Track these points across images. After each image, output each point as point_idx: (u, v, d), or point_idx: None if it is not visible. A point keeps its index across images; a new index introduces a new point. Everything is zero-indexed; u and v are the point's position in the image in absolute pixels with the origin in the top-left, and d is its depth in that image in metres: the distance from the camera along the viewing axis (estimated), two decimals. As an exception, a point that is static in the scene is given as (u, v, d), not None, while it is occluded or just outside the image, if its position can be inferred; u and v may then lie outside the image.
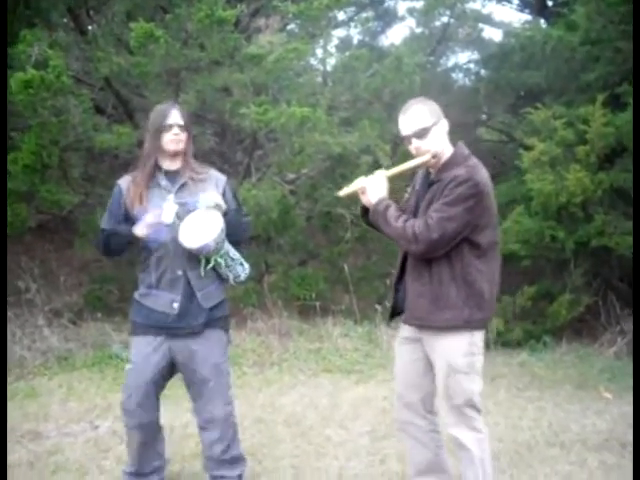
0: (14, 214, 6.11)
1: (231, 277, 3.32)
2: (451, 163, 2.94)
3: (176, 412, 4.35)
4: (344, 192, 3.12)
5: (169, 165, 3.31)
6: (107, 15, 7.30)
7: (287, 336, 6.77)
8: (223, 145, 8.12)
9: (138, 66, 6.31)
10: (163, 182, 3.28)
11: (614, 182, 6.68)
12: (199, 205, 3.16)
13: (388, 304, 3.23)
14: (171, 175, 3.30)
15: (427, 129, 2.91)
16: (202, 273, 3.23)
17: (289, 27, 8.65)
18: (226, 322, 3.42)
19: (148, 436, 3.38)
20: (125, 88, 7.26)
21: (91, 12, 7.56)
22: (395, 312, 3.18)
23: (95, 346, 6.34)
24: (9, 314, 6.15)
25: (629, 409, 4.98)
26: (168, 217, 3.15)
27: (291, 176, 7.70)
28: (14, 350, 5.90)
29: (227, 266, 3.27)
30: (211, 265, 3.22)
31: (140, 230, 3.16)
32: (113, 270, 7.56)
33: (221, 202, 3.21)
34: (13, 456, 3.92)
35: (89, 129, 6.46)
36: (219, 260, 3.22)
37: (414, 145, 2.96)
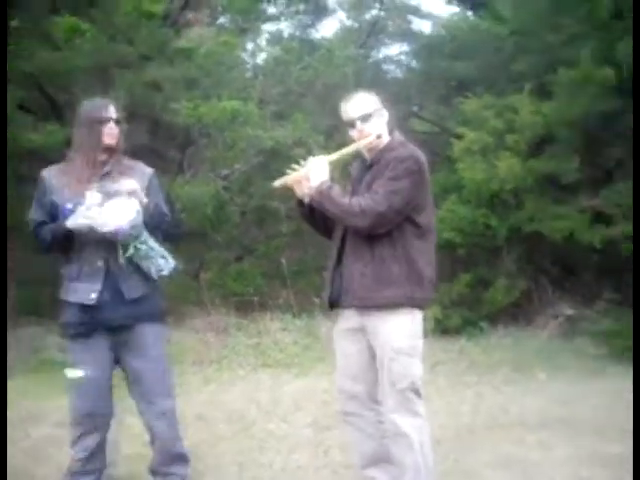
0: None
1: (153, 270, 3.20)
2: (390, 147, 3.03)
3: (119, 412, 4.25)
4: (280, 182, 3.09)
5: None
6: (30, 8, 7.08)
7: (225, 332, 6.72)
8: (155, 142, 7.99)
9: (65, 61, 6.16)
10: None
11: (544, 169, 6.81)
12: (117, 189, 3.07)
13: (326, 293, 3.19)
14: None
15: (371, 113, 3.01)
16: (120, 260, 3.15)
17: (219, 21, 8.58)
18: (160, 315, 3.34)
19: (100, 435, 3.28)
20: (52, 85, 7.07)
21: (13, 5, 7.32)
22: (333, 301, 3.14)
23: (29, 351, 6.17)
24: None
25: (564, 387, 5.14)
26: (91, 206, 3.05)
27: (225, 172, 7.63)
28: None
29: (147, 257, 3.19)
30: (130, 252, 3.14)
31: (73, 222, 3.06)
32: (42, 270, 7.35)
33: (139, 190, 3.13)
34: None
35: (15, 128, 6.26)
36: (139, 246, 3.14)
37: (358, 128, 3.01)
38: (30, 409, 4.93)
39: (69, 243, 3.15)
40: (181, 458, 3.38)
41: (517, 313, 7.29)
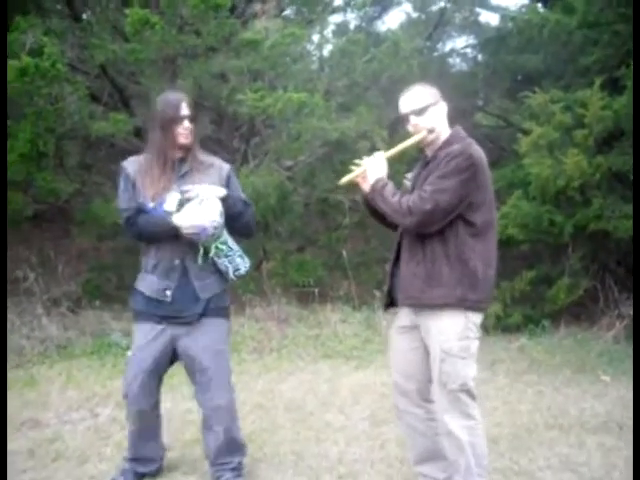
0: (11, 203, 6.10)
1: (231, 270, 3.28)
2: (448, 143, 2.98)
3: (176, 399, 4.35)
4: (345, 179, 3.10)
5: (175, 154, 3.28)
6: (102, 1, 7.25)
7: (286, 322, 6.77)
8: (220, 132, 8.09)
9: (133, 53, 6.28)
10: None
11: (612, 165, 6.65)
12: (198, 196, 3.13)
13: (385, 290, 3.21)
14: (175, 164, 3.27)
15: (425, 107, 2.97)
16: (200, 261, 3.21)
17: (285, 12, 8.61)
18: (226, 311, 3.40)
19: (148, 422, 3.40)
20: (121, 75, 7.23)
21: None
22: (391, 300, 3.16)
23: (94, 334, 6.35)
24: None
25: (627, 392, 5.00)
26: (171, 206, 3.13)
27: (289, 163, 7.69)
28: (13, 339, 5.90)
29: (226, 256, 3.25)
30: (211, 254, 3.21)
31: (183, 220, 3.11)
32: (111, 258, 7.56)
33: (218, 192, 3.17)
34: (13, 444, 3.91)
35: (85, 117, 6.44)
36: (220, 246, 3.20)
37: (412, 122, 2.99)
38: (95, 390, 5.07)
39: (166, 237, 3.20)
40: (236, 448, 3.43)
41: (580, 313, 7.15)
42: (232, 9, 6.77)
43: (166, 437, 3.67)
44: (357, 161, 3.10)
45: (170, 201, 3.14)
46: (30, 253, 6.93)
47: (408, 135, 3.08)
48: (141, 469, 3.45)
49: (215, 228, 3.12)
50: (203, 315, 3.26)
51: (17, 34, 5.84)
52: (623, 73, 6.64)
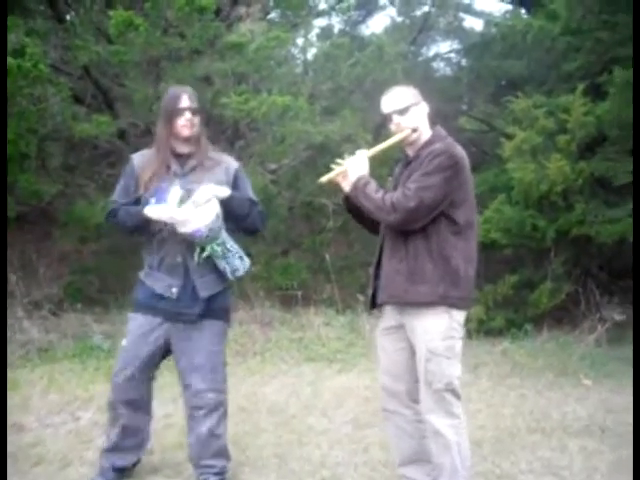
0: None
1: (228, 270, 3.25)
2: (430, 142, 3.01)
3: (159, 401, 4.31)
4: (326, 177, 3.12)
5: (181, 148, 3.27)
6: (85, 3, 7.21)
7: (269, 326, 6.76)
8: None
9: (117, 55, 6.26)
10: (173, 166, 3.25)
11: (595, 171, 6.70)
12: (195, 197, 3.12)
13: (368, 291, 3.22)
14: (182, 158, 3.27)
15: (407, 107, 3.01)
16: (196, 260, 3.20)
17: (270, 16, 8.61)
18: (226, 313, 3.40)
19: (133, 414, 3.35)
20: (104, 77, 7.19)
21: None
22: (375, 301, 3.16)
23: (76, 337, 6.29)
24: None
25: (609, 395, 5.04)
26: (172, 201, 3.11)
27: (273, 166, 7.68)
28: (-7, 342, 5.85)
29: (224, 257, 3.24)
30: (206, 253, 3.19)
31: (152, 212, 3.11)
32: (93, 261, 7.50)
33: (220, 192, 3.16)
34: (-7, 448, 3.88)
35: (68, 118, 6.40)
36: (215, 248, 3.18)
37: (395, 121, 3.03)
38: (76, 393, 5.03)
39: (147, 230, 3.21)
40: (220, 451, 3.40)
41: (563, 317, 7.19)
42: (217, 12, 6.76)
43: (139, 440, 3.63)
44: (339, 160, 3.11)
45: (172, 197, 3.13)
46: (12, 255, 6.86)
47: (391, 136, 3.09)
48: (120, 462, 3.39)
49: (210, 230, 3.10)
50: (203, 316, 3.25)
51: (0, 34, 5.80)
52: (605, 79, 6.70)
